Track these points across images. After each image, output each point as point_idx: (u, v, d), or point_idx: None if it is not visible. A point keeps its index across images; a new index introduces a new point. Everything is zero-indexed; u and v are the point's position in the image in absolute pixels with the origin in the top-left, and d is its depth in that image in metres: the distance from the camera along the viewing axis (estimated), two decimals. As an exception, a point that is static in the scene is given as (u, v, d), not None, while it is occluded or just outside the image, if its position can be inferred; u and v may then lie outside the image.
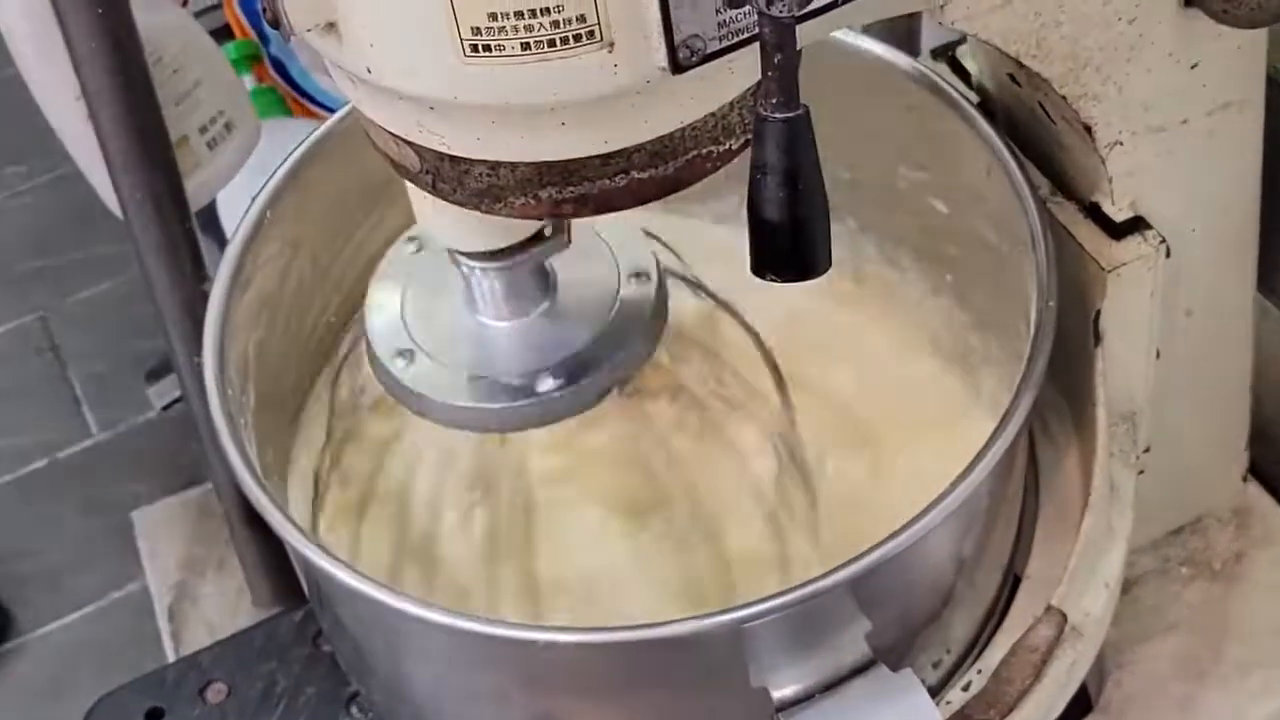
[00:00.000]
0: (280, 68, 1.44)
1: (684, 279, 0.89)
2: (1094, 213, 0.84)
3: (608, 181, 0.64)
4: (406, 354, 0.77)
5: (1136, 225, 0.83)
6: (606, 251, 0.79)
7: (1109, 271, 0.82)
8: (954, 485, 0.73)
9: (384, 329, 0.79)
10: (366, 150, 0.70)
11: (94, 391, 1.40)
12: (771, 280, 0.59)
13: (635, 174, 0.64)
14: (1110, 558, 0.85)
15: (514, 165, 0.64)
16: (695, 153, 0.65)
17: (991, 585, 0.85)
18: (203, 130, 1.03)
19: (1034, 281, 0.79)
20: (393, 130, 0.65)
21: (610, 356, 0.76)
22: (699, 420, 0.89)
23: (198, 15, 1.22)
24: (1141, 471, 0.90)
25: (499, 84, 0.59)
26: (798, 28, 0.55)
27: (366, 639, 0.83)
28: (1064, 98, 0.76)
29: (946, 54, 0.93)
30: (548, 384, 0.76)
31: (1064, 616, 0.82)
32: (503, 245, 0.74)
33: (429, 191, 0.68)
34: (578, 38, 0.58)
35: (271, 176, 0.88)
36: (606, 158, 0.63)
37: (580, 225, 0.76)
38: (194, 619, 1.14)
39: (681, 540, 0.88)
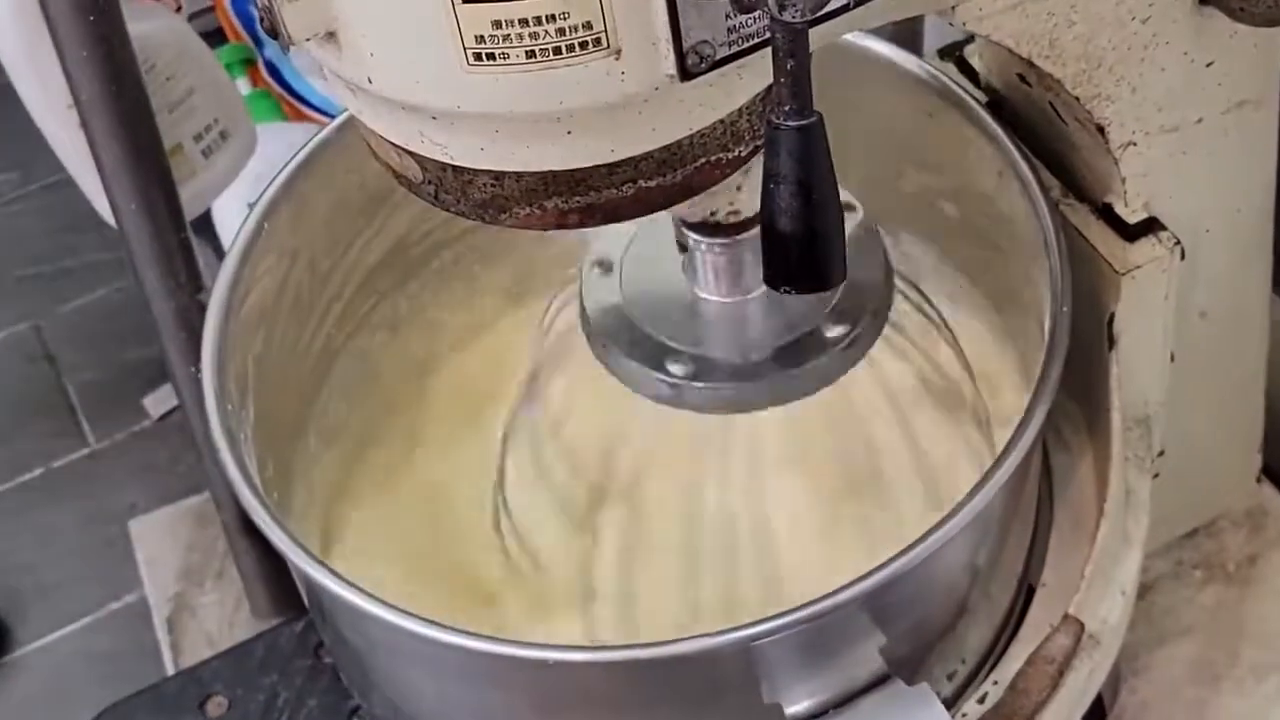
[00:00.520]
0: (275, 72, 1.43)
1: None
2: (1107, 214, 0.83)
3: (615, 191, 0.63)
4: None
5: (1150, 227, 0.82)
6: None
7: (1123, 274, 0.81)
8: (970, 495, 0.72)
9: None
10: (366, 158, 0.69)
11: (90, 400, 1.39)
12: (786, 292, 0.58)
13: (643, 182, 0.63)
14: (1126, 564, 0.84)
15: (519, 175, 0.63)
16: (704, 160, 0.64)
17: (1006, 594, 0.83)
18: (197, 138, 1.03)
19: (1047, 286, 0.78)
20: (394, 140, 0.64)
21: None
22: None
23: (190, 19, 1.21)
24: (1156, 475, 0.89)
25: (503, 93, 0.58)
26: (809, 32, 0.54)
27: (369, 654, 0.82)
28: (1077, 98, 0.75)
29: (953, 54, 0.91)
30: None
31: (1081, 625, 0.81)
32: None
33: (431, 203, 0.66)
34: (584, 45, 0.57)
35: (269, 186, 0.86)
36: (613, 166, 0.62)
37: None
38: (193, 630, 1.14)
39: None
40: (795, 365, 0.75)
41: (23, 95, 0.97)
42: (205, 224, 1.23)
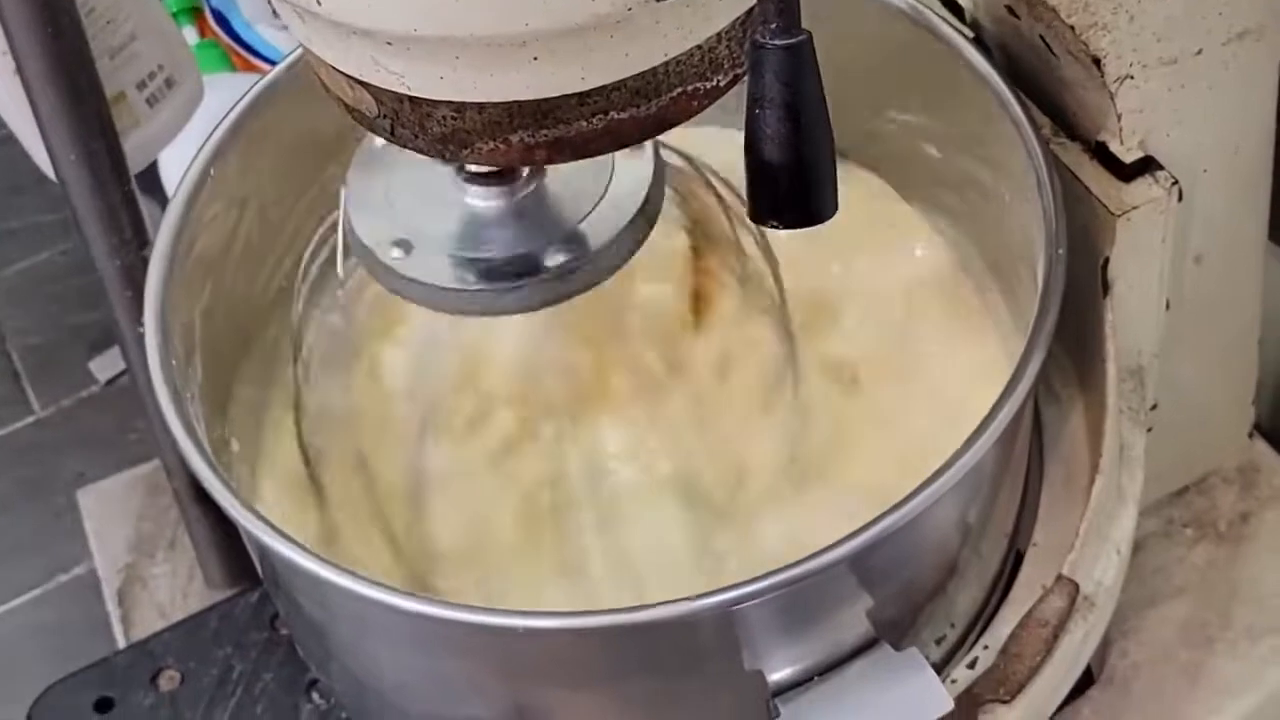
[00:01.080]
0: (223, 20, 1.40)
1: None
2: (1101, 153, 0.80)
3: (585, 123, 0.60)
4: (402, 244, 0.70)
5: (1147, 166, 0.79)
6: None
7: (1118, 216, 0.78)
8: (961, 451, 0.69)
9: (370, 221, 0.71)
10: (318, 100, 0.65)
11: (34, 366, 1.37)
12: (774, 227, 0.55)
13: (615, 114, 0.60)
14: (1121, 522, 0.81)
15: (481, 106, 0.59)
16: (680, 90, 0.60)
17: (997, 554, 0.81)
18: (141, 86, 0.99)
19: (1039, 229, 0.75)
20: (346, 71, 0.60)
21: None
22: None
23: (134, -34, 1.17)
24: (1149, 429, 0.85)
25: (463, 14, 0.54)
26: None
27: (327, 625, 0.79)
28: (1071, 28, 0.72)
29: (937, -14, 0.88)
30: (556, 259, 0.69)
31: (1075, 586, 0.78)
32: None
33: (387, 139, 0.63)
34: (551, -41, 0.53)
35: (214, 129, 0.83)
36: (583, 96, 0.59)
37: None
38: (144, 602, 1.11)
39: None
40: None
41: (-47, 42, 0.93)
42: (154, 183, 1.19)
